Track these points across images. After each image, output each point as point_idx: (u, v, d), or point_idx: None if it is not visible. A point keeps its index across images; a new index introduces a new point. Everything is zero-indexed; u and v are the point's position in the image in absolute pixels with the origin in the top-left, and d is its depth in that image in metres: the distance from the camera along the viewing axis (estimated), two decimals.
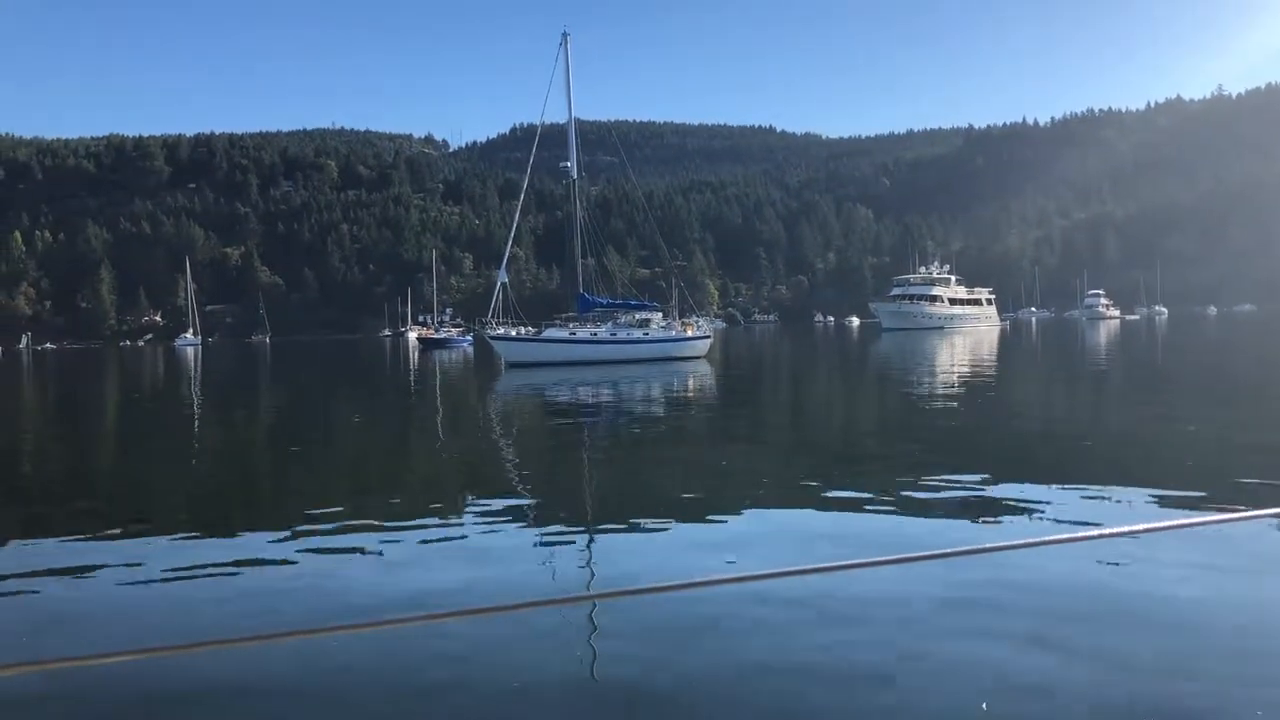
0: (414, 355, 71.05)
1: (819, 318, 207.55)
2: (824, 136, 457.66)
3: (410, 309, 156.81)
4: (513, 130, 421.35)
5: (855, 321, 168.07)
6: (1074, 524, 8.45)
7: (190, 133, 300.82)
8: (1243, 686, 4.82)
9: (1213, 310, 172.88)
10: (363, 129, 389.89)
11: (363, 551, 8.31)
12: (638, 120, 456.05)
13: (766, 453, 14.73)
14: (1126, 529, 3.01)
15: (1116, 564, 6.93)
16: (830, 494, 10.45)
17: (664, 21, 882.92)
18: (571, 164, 50.04)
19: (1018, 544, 5.77)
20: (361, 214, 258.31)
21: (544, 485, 12.28)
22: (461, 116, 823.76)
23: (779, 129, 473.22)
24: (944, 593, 6.38)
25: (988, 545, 3.50)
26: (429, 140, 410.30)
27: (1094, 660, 5.23)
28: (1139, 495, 9.71)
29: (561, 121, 51.15)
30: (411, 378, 42.37)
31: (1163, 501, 9.35)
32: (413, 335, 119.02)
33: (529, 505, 10.58)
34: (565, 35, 49.49)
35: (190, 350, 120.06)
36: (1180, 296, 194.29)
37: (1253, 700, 4.66)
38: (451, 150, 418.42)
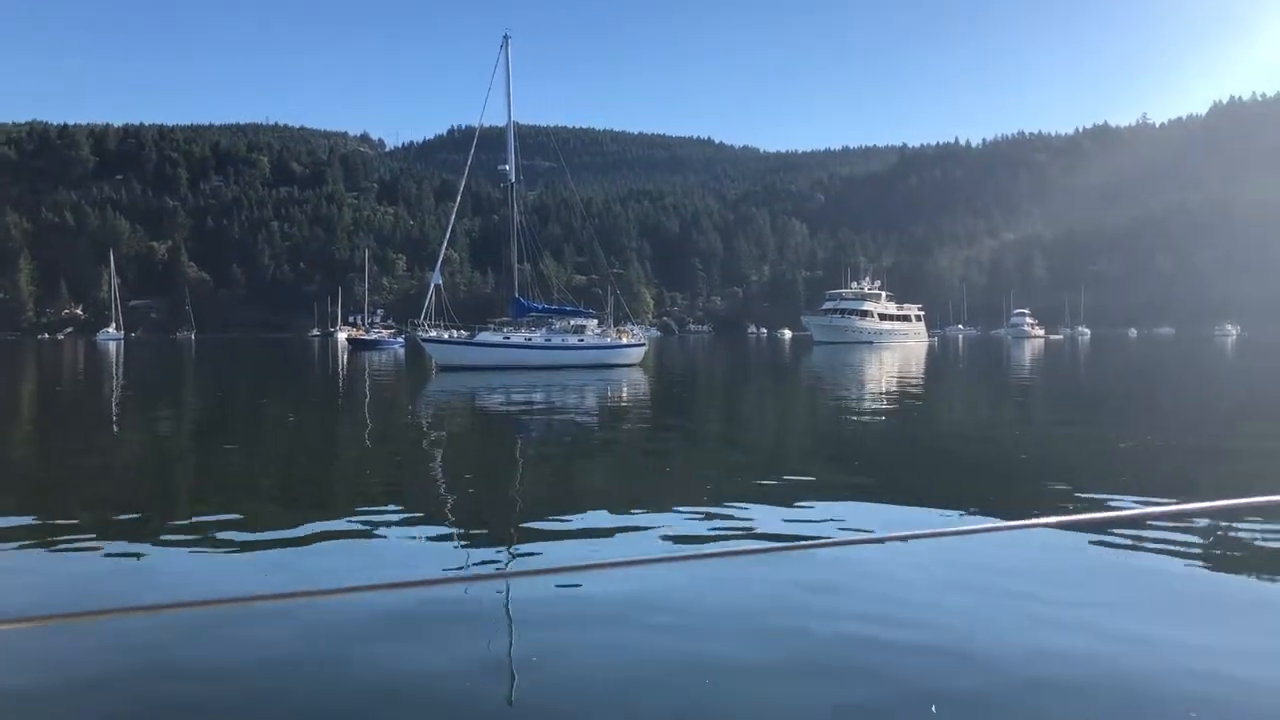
0: (343, 356, 70.01)
1: (752, 329, 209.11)
2: (762, 150, 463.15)
3: (341, 309, 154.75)
4: (450, 132, 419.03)
5: (788, 334, 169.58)
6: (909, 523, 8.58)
7: (118, 123, 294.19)
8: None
9: (1133, 332, 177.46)
10: (297, 125, 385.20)
11: (260, 546, 8.13)
12: (577, 127, 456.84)
13: (693, 457, 14.75)
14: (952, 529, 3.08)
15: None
16: (745, 493, 10.47)
17: (607, 29, 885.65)
18: (510, 168, 49.79)
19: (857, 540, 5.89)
20: (293, 211, 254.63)
21: (468, 487, 12.13)
22: (399, 116, 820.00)
23: (718, 141, 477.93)
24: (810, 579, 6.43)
25: (833, 540, 3.59)
26: (365, 139, 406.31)
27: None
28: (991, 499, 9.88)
29: (500, 125, 50.95)
30: (340, 379, 41.74)
31: (1034, 504, 9.53)
32: (342, 336, 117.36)
33: (451, 504, 10.45)
34: (506, 38, 49.24)
35: (112, 345, 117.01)
36: (1103, 318, 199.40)
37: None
38: (388, 150, 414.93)
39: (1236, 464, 13.50)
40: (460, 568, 7.81)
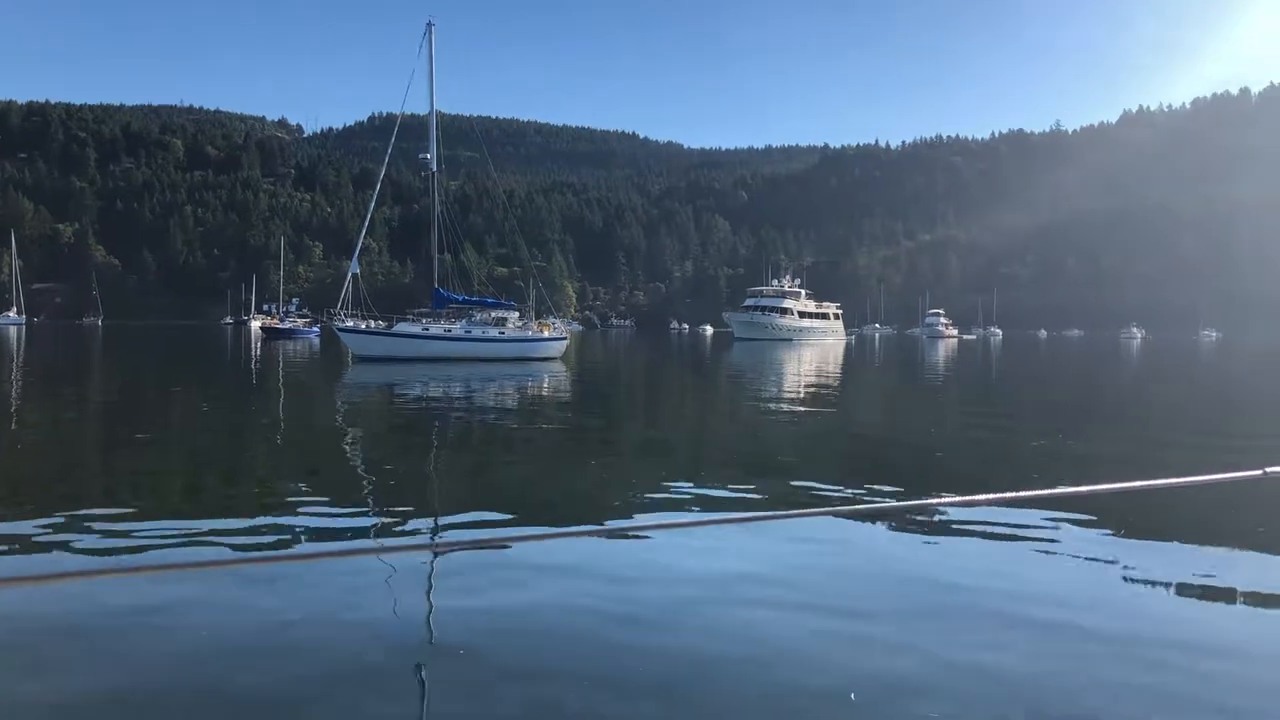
0: (257, 345, 68.52)
1: (674, 325, 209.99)
2: (686, 146, 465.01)
3: (255, 297, 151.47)
4: (371, 119, 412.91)
5: (709, 330, 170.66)
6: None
7: (23, 99, 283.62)
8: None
9: (1043, 334, 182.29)
10: (212, 108, 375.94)
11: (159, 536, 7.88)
12: (501, 117, 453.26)
13: (612, 451, 14.70)
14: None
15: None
16: (663, 484, 10.45)
17: (532, 20, 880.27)
18: (431, 156, 49.16)
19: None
20: (207, 196, 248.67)
21: (383, 478, 11.88)
22: (318, 101, 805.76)
23: (643, 136, 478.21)
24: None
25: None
26: (282, 124, 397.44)
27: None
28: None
29: (423, 113, 50.19)
30: (253, 368, 40.80)
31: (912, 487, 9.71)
32: (256, 324, 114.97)
33: (366, 494, 10.23)
34: (430, 25, 48.58)
35: (13, 330, 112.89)
36: (1015, 320, 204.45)
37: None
38: (306, 135, 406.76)
39: (1123, 455, 13.87)
40: (378, 544, 7.91)
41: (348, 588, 6.37)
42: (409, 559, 6.95)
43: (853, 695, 4.78)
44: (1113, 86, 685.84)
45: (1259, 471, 1.28)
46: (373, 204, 62.29)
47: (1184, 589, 6.78)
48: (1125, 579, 7.08)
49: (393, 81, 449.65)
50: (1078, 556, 7.62)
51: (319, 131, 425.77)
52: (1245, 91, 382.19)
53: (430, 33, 48.62)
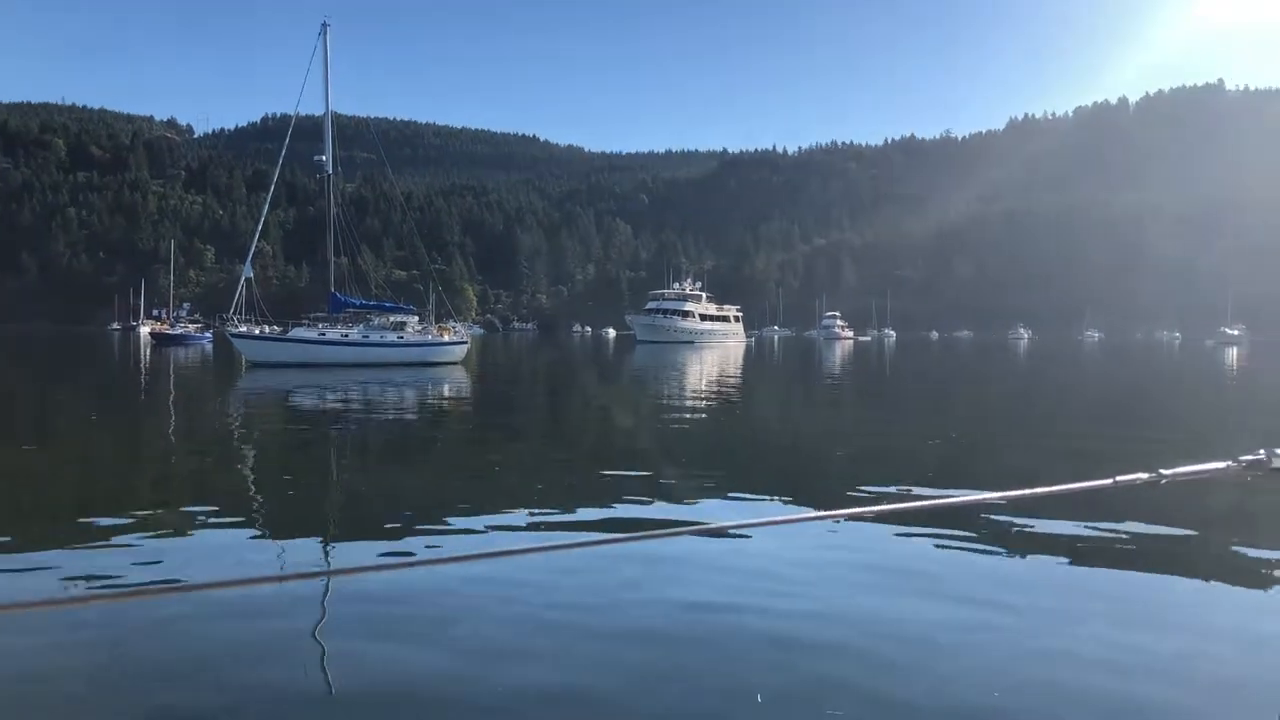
0: (146, 351, 66.33)
1: (577, 328, 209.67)
2: (586, 150, 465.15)
3: (144, 302, 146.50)
4: (264, 120, 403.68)
5: (611, 333, 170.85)
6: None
7: None
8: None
9: (935, 335, 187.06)
10: (96, 107, 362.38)
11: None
12: (398, 119, 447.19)
13: (515, 456, 14.64)
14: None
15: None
16: (567, 490, 10.46)
17: (429, 20, 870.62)
18: (326, 158, 48.25)
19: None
20: (92, 198, 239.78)
21: (279, 488, 11.66)
22: (208, 101, 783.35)
23: (543, 138, 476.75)
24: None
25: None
26: (171, 124, 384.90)
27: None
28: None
29: (318, 114, 49.25)
30: (142, 375, 39.50)
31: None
32: (145, 330, 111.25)
33: (262, 506, 10.01)
34: (325, 25, 47.70)
35: None
36: (908, 321, 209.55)
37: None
38: (196, 136, 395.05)
39: (1021, 457, 14.38)
40: (273, 568, 7.58)
41: (243, 616, 6.08)
42: (307, 585, 6.73)
43: (759, 697, 4.85)
44: (1000, 95, 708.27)
45: (1109, 481, 1.37)
46: (266, 206, 60.77)
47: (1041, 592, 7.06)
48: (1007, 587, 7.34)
49: (287, 82, 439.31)
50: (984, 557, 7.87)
51: (210, 132, 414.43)
52: (1124, 101, 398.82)
53: (325, 32, 47.78)
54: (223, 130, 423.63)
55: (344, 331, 46.41)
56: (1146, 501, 9.45)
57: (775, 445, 17.19)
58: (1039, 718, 4.71)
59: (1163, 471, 1.35)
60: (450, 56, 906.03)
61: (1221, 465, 1.34)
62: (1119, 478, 1.38)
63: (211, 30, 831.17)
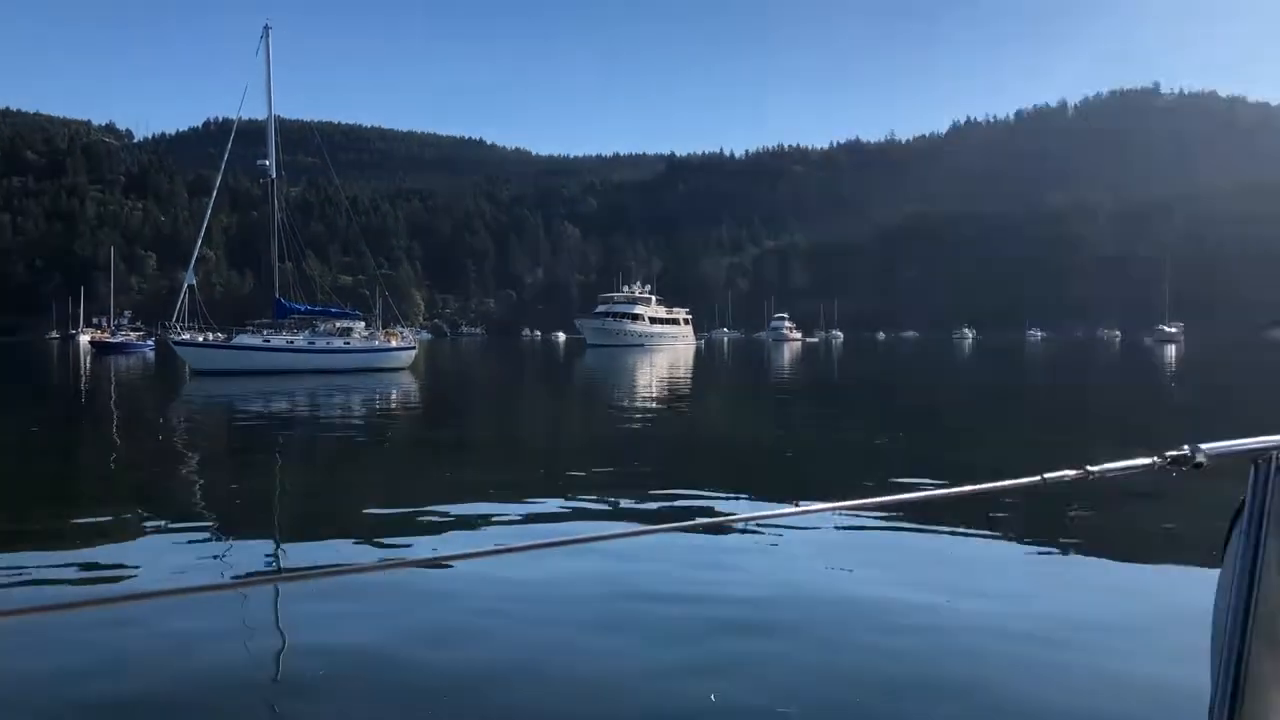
0: (86, 360, 65.07)
1: (526, 332, 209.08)
2: (534, 153, 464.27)
3: (84, 310, 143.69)
4: (206, 124, 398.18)
5: (561, 337, 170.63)
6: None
7: None
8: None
9: (882, 335, 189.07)
10: (32, 110, 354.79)
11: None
12: (343, 123, 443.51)
13: (465, 462, 14.59)
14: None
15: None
16: (518, 494, 10.47)
17: (373, 23, 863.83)
18: (270, 162, 47.80)
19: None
20: (28, 204, 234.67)
21: (226, 497, 11.51)
22: (148, 105, 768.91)
23: (489, 142, 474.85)
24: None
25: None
26: (110, 129, 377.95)
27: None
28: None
29: (261, 118, 48.79)
30: (82, 385, 38.76)
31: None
32: (85, 338, 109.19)
33: (208, 514, 9.88)
34: (267, 28, 47.33)
35: None
36: (855, 322, 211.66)
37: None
38: (136, 141, 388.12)
39: (969, 454, 14.63)
40: (216, 576, 7.50)
41: (190, 625, 6.02)
42: (254, 591, 6.67)
43: (713, 697, 4.90)
44: (942, 98, 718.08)
45: (1038, 478, 1.40)
46: (209, 212, 59.84)
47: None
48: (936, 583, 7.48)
49: (228, 85, 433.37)
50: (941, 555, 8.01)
51: (150, 137, 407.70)
52: (1063, 103, 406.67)
53: (268, 35, 47.39)
54: (163, 134, 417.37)
55: (289, 338, 45.95)
56: (1075, 498, 9.66)
57: (721, 446, 17.29)
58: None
59: (1090, 468, 1.40)
60: (396, 59, 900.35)
61: (1147, 461, 1.41)
62: (1048, 475, 1.42)
63: (150, 33, 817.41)
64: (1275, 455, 1.43)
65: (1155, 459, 1.39)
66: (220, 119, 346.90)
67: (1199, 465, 1.36)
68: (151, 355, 74.87)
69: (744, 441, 18.28)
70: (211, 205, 57.90)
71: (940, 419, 22.73)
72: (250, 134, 53.00)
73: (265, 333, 46.53)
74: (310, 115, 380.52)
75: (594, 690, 5.15)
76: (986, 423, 21.48)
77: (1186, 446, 1.37)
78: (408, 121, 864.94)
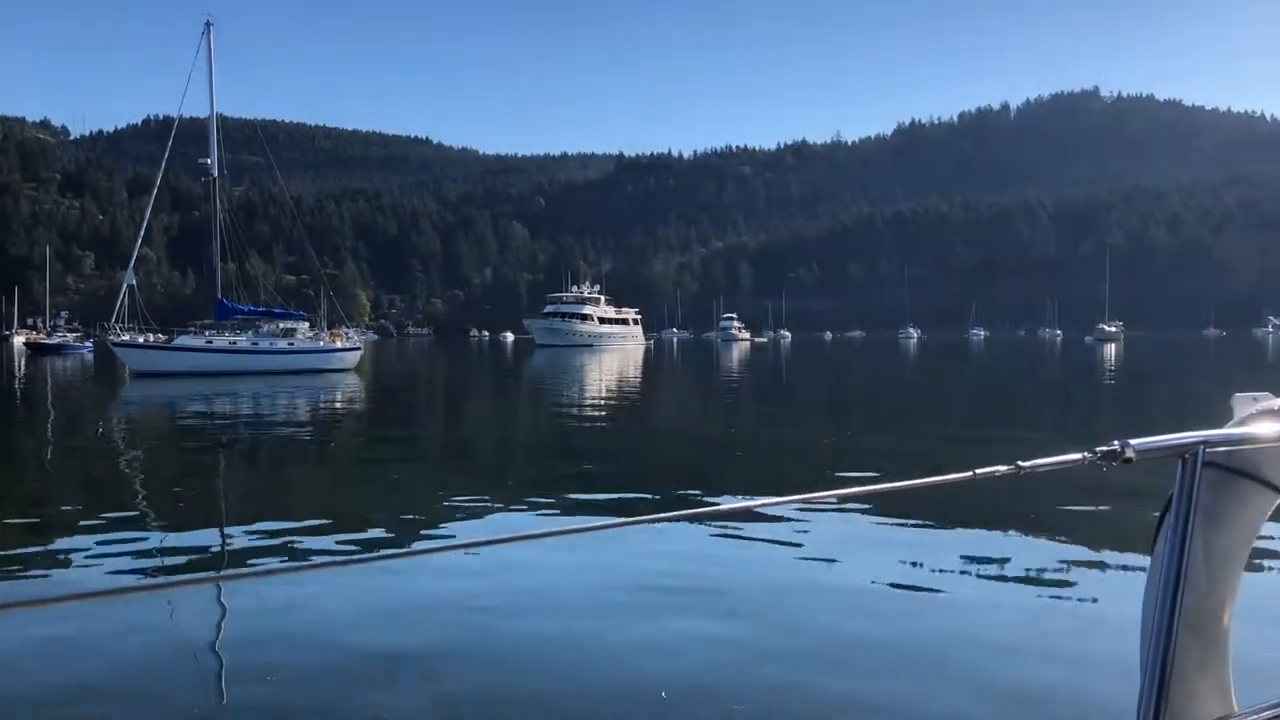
0: (20, 362, 63.63)
1: (474, 333, 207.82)
2: (481, 152, 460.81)
3: (18, 311, 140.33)
4: (146, 121, 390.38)
5: (510, 337, 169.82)
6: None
7: None
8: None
9: (829, 335, 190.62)
10: None
11: None
12: (287, 121, 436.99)
13: (409, 464, 14.50)
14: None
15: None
16: (463, 496, 10.43)
17: (316, 20, 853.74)
18: (212, 161, 47.11)
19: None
20: None
21: (166, 501, 11.31)
22: (85, 102, 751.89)
23: (436, 140, 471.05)
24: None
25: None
26: (45, 125, 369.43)
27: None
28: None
29: (202, 115, 48.03)
30: (16, 387, 37.88)
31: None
32: (19, 340, 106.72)
33: (146, 518, 9.71)
34: (208, 24, 46.61)
35: None
36: (802, 322, 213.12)
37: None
38: (73, 138, 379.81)
39: (912, 452, 14.83)
40: (160, 576, 7.48)
41: (130, 627, 5.95)
42: (195, 592, 6.62)
43: (664, 694, 4.91)
44: (888, 100, 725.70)
45: (969, 474, 1.42)
46: (149, 211, 58.72)
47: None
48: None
49: (169, 82, 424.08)
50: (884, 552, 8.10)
51: (87, 134, 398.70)
52: (1005, 107, 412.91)
53: (209, 31, 46.71)
54: (101, 132, 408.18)
55: (232, 339, 45.37)
56: (1006, 493, 9.85)
57: (671, 445, 17.32)
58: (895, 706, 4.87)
59: (1021, 463, 1.43)
60: (340, 57, 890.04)
61: (1077, 456, 1.44)
62: (979, 470, 1.44)
63: (87, 27, 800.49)
64: (1202, 450, 1.46)
65: (1085, 454, 1.43)
66: (161, 116, 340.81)
67: (1128, 460, 1.40)
68: (90, 357, 73.46)
69: (694, 441, 18.33)
70: (152, 204, 56.79)
71: (883, 417, 22.99)
72: (192, 132, 52.31)
73: (207, 334, 45.88)
74: (254, 113, 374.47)
75: (545, 674, 5.20)
76: (927, 420, 21.75)
77: (1116, 442, 1.41)
78: (353, 120, 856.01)
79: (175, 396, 29.17)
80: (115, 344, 43.42)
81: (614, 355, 79.58)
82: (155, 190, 55.97)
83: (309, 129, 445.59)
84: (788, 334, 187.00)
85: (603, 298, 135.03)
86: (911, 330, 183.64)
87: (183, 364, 41.91)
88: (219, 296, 46.34)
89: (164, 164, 53.05)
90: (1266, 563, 7.28)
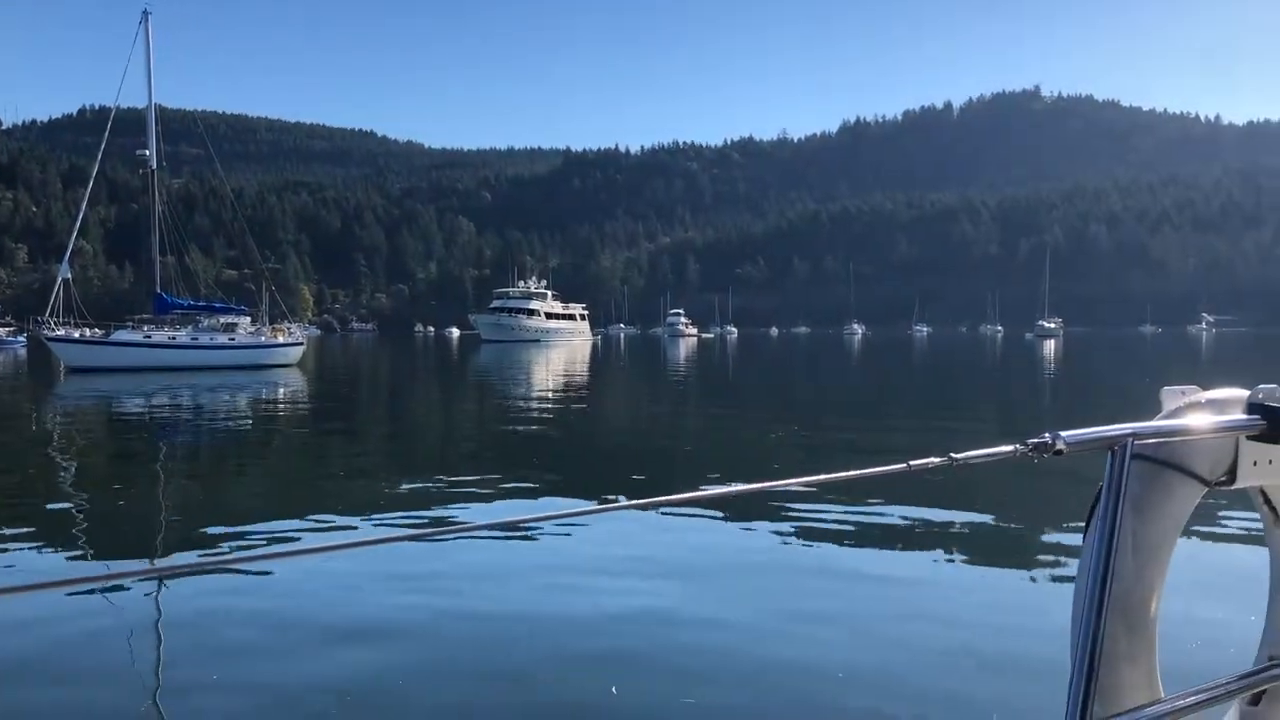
0: None
1: (419, 328, 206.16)
2: (427, 146, 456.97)
3: None
4: (82, 111, 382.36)
5: (456, 332, 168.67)
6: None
7: None
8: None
9: (775, 331, 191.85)
10: None
11: None
12: (228, 112, 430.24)
13: (353, 461, 14.36)
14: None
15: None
16: (404, 492, 10.37)
17: (260, 10, 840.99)
18: (151, 152, 46.30)
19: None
20: None
21: (103, 501, 11.09)
22: (18, 91, 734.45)
23: (380, 134, 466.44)
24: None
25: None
26: None
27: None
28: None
29: (140, 106, 47.20)
30: None
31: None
32: None
33: (82, 517, 9.52)
34: (146, 13, 45.71)
35: None
36: (749, 318, 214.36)
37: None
38: (5, 128, 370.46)
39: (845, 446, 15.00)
40: (96, 568, 7.45)
41: (66, 620, 5.93)
42: (135, 586, 6.58)
43: (614, 689, 4.92)
44: (833, 97, 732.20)
45: (904, 465, 1.46)
46: (85, 203, 57.45)
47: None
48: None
49: (106, 71, 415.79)
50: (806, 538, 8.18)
51: (21, 124, 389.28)
52: (948, 105, 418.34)
53: (147, 20, 45.84)
54: (35, 122, 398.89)
55: (171, 334, 44.65)
56: (940, 484, 10.09)
57: (618, 441, 17.34)
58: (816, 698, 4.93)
59: (954, 455, 1.46)
60: (283, 48, 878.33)
61: (1009, 449, 1.47)
62: (913, 462, 1.48)
63: (20, 14, 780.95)
64: (1130, 442, 1.50)
65: (1017, 446, 1.46)
66: (97, 106, 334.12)
67: (1059, 452, 1.43)
68: (23, 352, 71.85)
69: (641, 435, 18.36)
70: (88, 195, 55.57)
71: (828, 411, 23.20)
72: (130, 123, 51.25)
73: (146, 328, 45.09)
74: (194, 104, 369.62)
75: (494, 655, 5.25)
76: (871, 413, 21.98)
77: (1047, 434, 1.44)
78: (296, 112, 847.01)
79: (112, 392, 28.62)
80: (49, 339, 42.48)
81: (561, 351, 79.44)
82: (91, 181, 54.86)
83: (250, 120, 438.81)
84: (734, 330, 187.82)
85: (550, 293, 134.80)
86: (856, 326, 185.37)
87: (120, 359, 41.15)
88: (158, 291, 45.58)
89: (100, 155, 52.06)
90: (1192, 552, 7.48)
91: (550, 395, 28.69)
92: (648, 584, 6.91)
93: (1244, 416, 1.65)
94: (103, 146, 50.60)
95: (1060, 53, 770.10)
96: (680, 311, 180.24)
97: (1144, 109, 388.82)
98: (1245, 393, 1.70)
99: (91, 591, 6.42)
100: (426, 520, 9.44)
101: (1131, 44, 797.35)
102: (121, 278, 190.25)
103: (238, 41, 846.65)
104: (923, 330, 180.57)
